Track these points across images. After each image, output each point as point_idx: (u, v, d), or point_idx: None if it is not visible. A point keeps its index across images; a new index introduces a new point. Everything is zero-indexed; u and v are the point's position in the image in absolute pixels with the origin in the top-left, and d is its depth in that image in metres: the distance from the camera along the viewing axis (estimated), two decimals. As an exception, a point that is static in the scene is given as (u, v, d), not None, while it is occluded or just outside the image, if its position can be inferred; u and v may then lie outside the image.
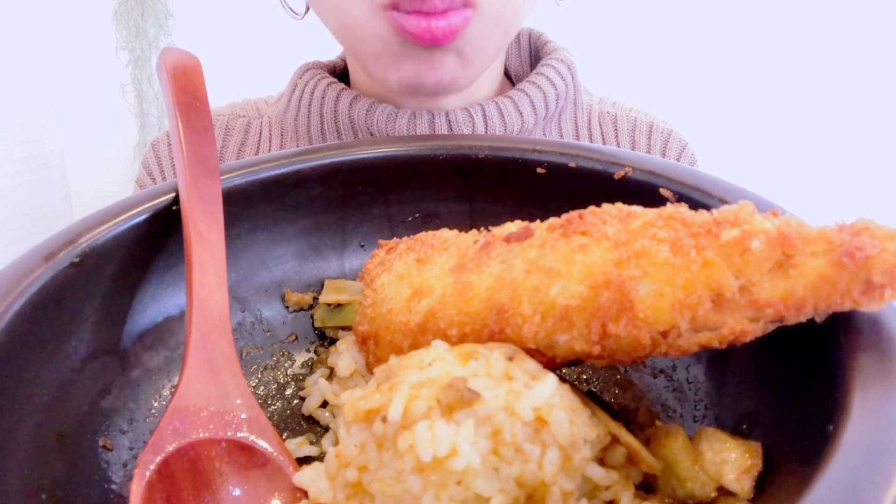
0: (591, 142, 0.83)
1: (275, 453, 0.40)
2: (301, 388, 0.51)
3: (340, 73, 0.86)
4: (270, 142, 0.84)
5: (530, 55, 0.86)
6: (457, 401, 0.32)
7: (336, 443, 0.45)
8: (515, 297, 0.37)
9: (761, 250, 0.32)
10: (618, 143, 0.84)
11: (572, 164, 0.52)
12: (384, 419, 0.33)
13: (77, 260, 0.44)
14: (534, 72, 0.79)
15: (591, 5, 1.94)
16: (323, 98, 0.77)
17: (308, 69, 0.81)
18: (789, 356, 0.38)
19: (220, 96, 0.97)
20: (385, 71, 0.67)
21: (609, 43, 1.97)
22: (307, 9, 0.79)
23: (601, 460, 0.36)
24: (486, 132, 0.73)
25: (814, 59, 2.00)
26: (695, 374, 0.47)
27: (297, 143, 0.82)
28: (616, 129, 0.84)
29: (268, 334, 0.54)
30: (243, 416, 0.41)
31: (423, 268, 0.43)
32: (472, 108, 0.73)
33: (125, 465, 0.43)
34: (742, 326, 0.32)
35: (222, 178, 0.50)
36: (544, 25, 0.87)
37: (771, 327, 0.33)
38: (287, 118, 0.82)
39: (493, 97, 0.77)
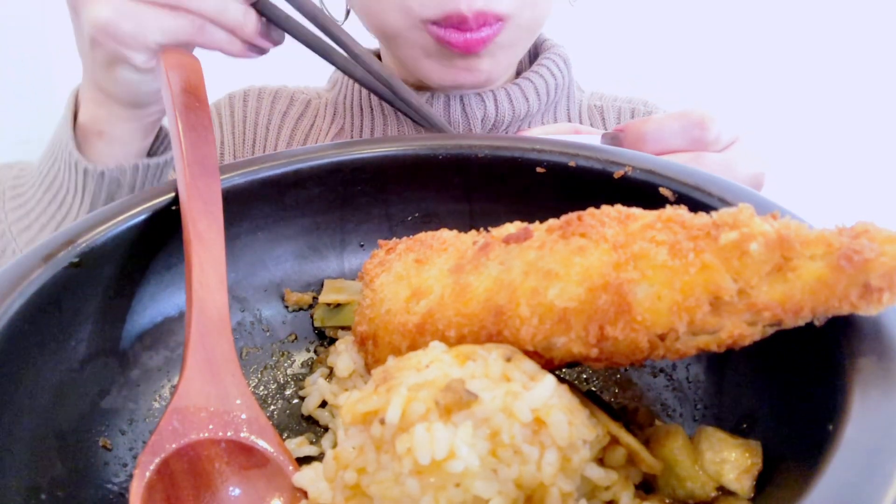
0: None
1: (275, 453, 0.40)
2: (301, 388, 0.51)
3: None
4: (324, 118, 0.95)
5: (530, 51, 0.95)
6: (455, 402, 0.32)
7: (335, 444, 0.45)
8: (513, 299, 0.37)
9: (760, 253, 0.32)
10: None
11: (572, 164, 0.52)
12: (382, 421, 0.33)
13: (76, 260, 0.44)
14: (535, 64, 0.89)
15: (589, 4, 1.93)
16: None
17: None
18: (790, 355, 0.38)
19: (219, 96, 0.97)
20: (427, 73, 0.79)
21: (606, 40, 1.97)
22: (347, 13, 0.88)
23: (601, 460, 0.36)
24: (496, 114, 0.84)
25: (814, 55, 2.00)
26: (695, 373, 0.47)
27: (343, 118, 0.92)
28: (603, 119, 0.95)
29: (267, 334, 0.54)
30: (243, 416, 0.41)
31: (422, 268, 0.43)
32: (485, 94, 0.83)
33: (125, 465, 0.43)
34: (740, 330, 0.32)
35: (222, 177, 0.50)
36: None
37: (769, 331, 0.33)
38: (339, 98, 0.93)
39: (502, 86, 0.88)
